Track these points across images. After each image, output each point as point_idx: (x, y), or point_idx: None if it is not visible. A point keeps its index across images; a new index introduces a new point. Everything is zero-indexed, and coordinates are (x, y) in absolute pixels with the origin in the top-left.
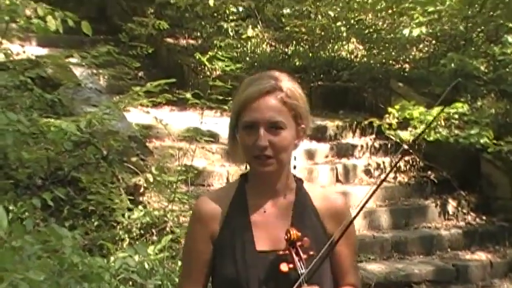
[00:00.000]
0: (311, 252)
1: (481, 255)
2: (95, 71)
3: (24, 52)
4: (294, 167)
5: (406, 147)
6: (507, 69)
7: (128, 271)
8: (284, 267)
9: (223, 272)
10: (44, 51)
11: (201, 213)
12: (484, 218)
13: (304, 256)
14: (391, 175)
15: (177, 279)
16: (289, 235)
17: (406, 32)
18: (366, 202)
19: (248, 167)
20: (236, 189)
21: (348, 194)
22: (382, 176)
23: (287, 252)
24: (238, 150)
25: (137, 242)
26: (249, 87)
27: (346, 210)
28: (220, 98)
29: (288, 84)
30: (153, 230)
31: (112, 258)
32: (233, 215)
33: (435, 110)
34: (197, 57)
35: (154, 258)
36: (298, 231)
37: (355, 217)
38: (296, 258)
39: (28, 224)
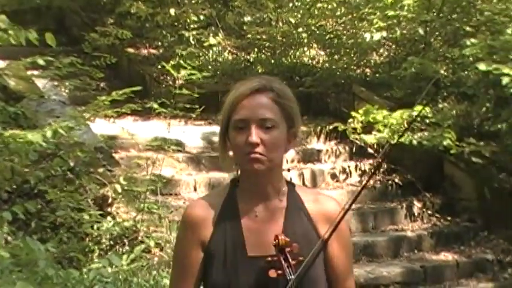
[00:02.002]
0: (300, 258)
1: (448, 256)
2: (57, 83)
3: None
4: (288, 170)
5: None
6: (466, 72)
7: (102, 282)
8: (273, 273)
9: (214, 278)
10: (3, 63)
11: (191, 220)
12: (448, 219)
13: (293, 262)
14: (357, 179)
15: None
16: (277, 241)
17: (366, 36)
18: (352, 203)
19: (239, 172)
20: (227, 194)
21: None
22: (352, 180)
23: (276, 258)
24: (229, 156)
25: (108, 253)
26: (240, 87)
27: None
28: (187, 106)
29: (278, 85)
30: (125, 241)
31: (84, 270)
32: (224, 220)
33: (398, 113)
34: (161, 65)
35: (128, 268)
36: (286, 237)
37: (341, 218)
38: (285, 265)
39: None
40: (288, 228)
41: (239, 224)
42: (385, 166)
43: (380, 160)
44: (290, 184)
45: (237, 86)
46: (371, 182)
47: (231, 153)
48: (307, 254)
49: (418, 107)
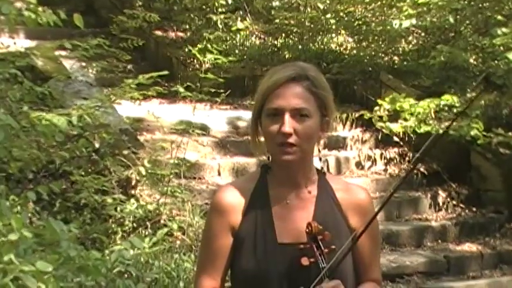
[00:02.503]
0: (332, 246)
1: (472, 247)
2: (85, 64)
3: (15, 44)
4: (320, 159)
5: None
6: (496, 61)
7: (124, 264)
8: (305, 261)
9: (243, 264)
10: (32, 43)
11: (221, 205)
12: (474, 209)
13: (325, 250)
14: (382, 167)
15: (173, 273)
16: (310, 228)
17: (395, 23)
18: (390, 196)
19: (270, 159)
20: (258, 180)
21: None
22: (377, 168)
23: (308, 245)
24: (260, 142)
25: (130, 235)
26: (274, 75)
27: (369, 204)
28: (212, 90)
29: (314, 73)
30: (147, 223)
31: (107, 252)
32: (254, 206)
33: (425, 102)
34: (187, 49)
35: (150, 251)
36: (319, 225)
37: (378, 211)
38: (317, 253)
39: (23, 217)
40: (319, 217)
41: (269, 210)
42: (411, 155)
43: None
44: (321, 173)
45: (272, 73)
46: (396, 170)
47: (262, 138)
48: (337, 243)
49: (447, 96)
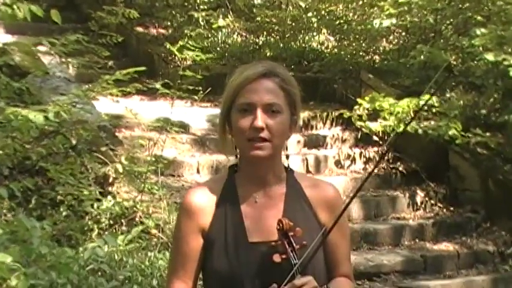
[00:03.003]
0: (304, 242)
1: (449, 246)
2: (64, 60)
3: None
4: (287, 157)
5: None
6: (475, 62)
7: (97, 262)
8: (277, 257)
9: (215, 265)
10: (12, 39)
11: (190, 207)
12: (451, 209)
13: (297, 246)
14: (361, 166)
15: (147, 270)
16: (281, 225)
17: (376, 22)
18: (355, 195)
19: (238, 156)
20: (226, 180)
21: None
22: (357, 167)
23: (279, 242)
24: (228, 141)
25: (106, 233)
26: (245, 71)
27: (338, 199)
28: (191, 88)
29: (282, 71)
30: (123, 221)
31: (81, 249)
32: (223, 206)
33: (404, 102)
34: (167, 46)
35: (124, 249)
36: (290, 221)
37: (347, 206)
38: (289, 249)
39: None
40: (289, 214)
41: (239, 210)
42: (390, 154)
43: (385, 149)
44: (289, 170)
45: (241, 70)
46: (375, 170)
47: (229, 136)
48: (308, 239)
49: (426, 96)
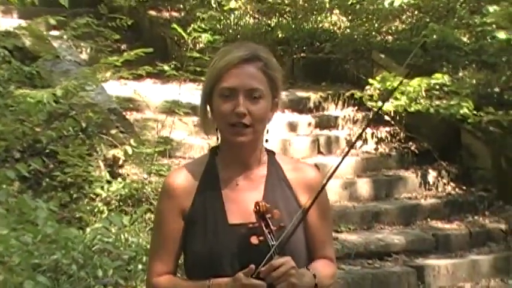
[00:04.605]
0: (282, 224)
1: (460, 225)
2: (75, 44)
3: None
4: (266, 141)
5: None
6: (488, 40)
7: (103, 242)
8: (254, 239)
9: (195, 247)
10: (25, 24)
11: (171, 189)
12: (463, 188)
13: (274, 228)
14: (373, 146)
15: None
16: (258, 207)
17: (388, 2)
18: (336, 169)
19: (220, 139)
20: (207, 163)
21: (329, 165)
22: (368, 147)
23: (257, 224)
24: (210, 123)
25: (112, 214)
26: (227, 55)
27: (320, 182)
28: (198, 69)
29: (265, 54)
30: (129, 202)
31: (88, 230)
32: (204, 189)
33: (415, 81)
34: (175, 28)
35: (130, 229)
36: (267, 203)
37: (324, 185)
38: (266, 231)
39: (1, 195)
40: (269, 196)
41: (219, 193)
42: (402, 134)
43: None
44: (270, 153)
45: (224, 53)
46: (386, 149)
47: (211, 118)
48: (288, 222)
49: (438, 75)
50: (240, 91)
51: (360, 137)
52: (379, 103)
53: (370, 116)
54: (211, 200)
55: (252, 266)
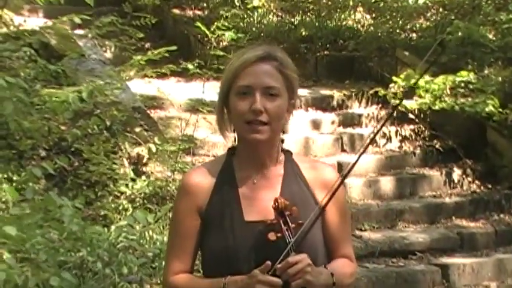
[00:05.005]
0: (300, 221)
1: (486, 224)
2: (100, 43)
3: (25, 21)
4: (283, 141)
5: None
6: None
7: (128, 239)
8: (272, 236)
9: (212, 244)
10: (50, 23)
11: (188, 187)
12: (489, 186)
13: (292, 225)
14: (397, 144)
15: None
16: (277, 204)
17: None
18: (352, 168)
19: (236, 140)
20: (224, 163)
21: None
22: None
23: (275, 221)
24: (226, 123)
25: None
26: (244, 54)
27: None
28: (222, 67)
29: (281, 54)
30: (154, 200)
31: (113, 227)
32: (221, 187)
33: (440, 79)
34: (199, 26)
35: (154, 226)
36: (286, 200)
37: (342, 182)
38: (284, 227)
39: (28, 193)
40: (286, 194)
41: (236, 191)
42: (426, 132)
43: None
44: (287, 152)
45: (240, 54)
46: (411, 147)
47: (227, 119)
48: (304, 219)
49: (463, 72)
50: (257, 89)
51: (374, 136)
52: (397, 101)
53: (391, 114)
54: (228, 198)
55: (268, 262)
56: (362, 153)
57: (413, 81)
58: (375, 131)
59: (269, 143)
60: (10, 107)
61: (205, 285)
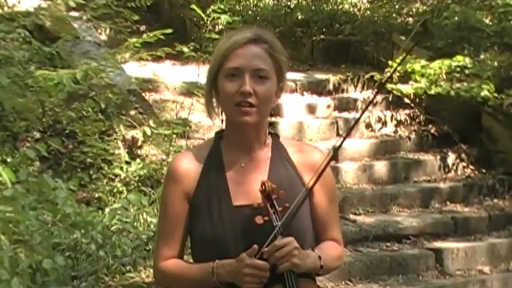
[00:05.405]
0: (287, 205)
1: (480, 208)
2: (95, 25)
3: (19, 3)
4: (270, 124)
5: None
6: (510, 22)
7: (122, 222)
8: (259, 219)
9: (201, 229)
10: (44, 4)
11: (176, 173)
12: (483, 171)
13: (279, 208)
14: (392, 129)
15: None
16: (264, 187)
17: None
18: (335, 152)
19: (224, 122)
20: (211, 147)
21: (348, 148)
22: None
23: (262, 205)
24: (215, 105)
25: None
26: (233, 37)
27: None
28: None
29: (271, 37)
30: (148, 182)
31: (107, 210)
32: (209, 172)
33: (436, 63)
34: (194, 9)
35: (148, 209)
36: (273, 184)
37: (328, 163)
38: (271, 211)
39: (21, 175)
40: (274, 177)
41: (224, 175)
42: (422, 117)
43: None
44: (275, 135)
45: (229, 35)
46: (406, 132)
47: (215, 102)
48: (292, 202)
49: (459, 57)
50: (246, 71)
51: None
52: (399, 86)
53: (375, 96)
54: (216, 182)
55: (255, 246)
56: (345, 138)
57: (416, 65)
58: (374, 116)
59: (257, 125)
60: (4, 79)
61: (194, 270)
